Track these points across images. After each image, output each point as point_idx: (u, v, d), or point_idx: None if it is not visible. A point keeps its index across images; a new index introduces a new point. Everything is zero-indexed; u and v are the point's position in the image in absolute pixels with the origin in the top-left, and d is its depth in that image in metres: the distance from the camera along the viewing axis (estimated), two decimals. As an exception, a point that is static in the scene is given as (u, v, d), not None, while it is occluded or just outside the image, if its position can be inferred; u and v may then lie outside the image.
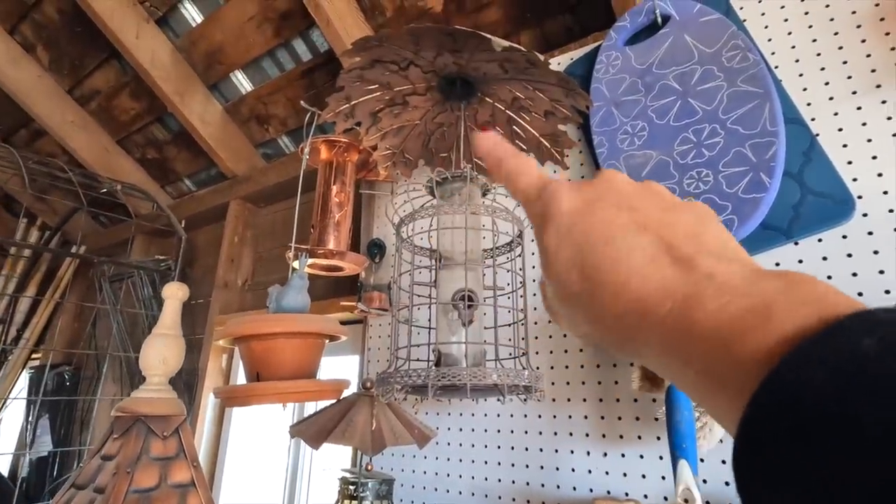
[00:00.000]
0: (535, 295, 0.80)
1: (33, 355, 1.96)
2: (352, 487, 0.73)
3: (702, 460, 0.57)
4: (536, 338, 0.79)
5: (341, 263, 0.89)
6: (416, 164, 0.89)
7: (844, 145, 0.62)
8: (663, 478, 0.64)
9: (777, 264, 0.64)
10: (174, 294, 0.58)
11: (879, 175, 0.60)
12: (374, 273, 0.98)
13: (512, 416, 0.79)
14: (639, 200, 0.19)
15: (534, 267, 0.81)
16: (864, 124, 0.62)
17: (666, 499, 0.63)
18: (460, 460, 0.82)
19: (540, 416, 0.77)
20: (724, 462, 0.59)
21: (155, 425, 0.47)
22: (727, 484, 0.58)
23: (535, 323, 0.79)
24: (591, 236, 0.18)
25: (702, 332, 0.14)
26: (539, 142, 0.86)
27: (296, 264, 0.81)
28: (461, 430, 0.84)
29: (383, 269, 0.99)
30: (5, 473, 1.78)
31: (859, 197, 0.60)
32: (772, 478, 0.11)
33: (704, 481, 0.58)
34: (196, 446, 1.37)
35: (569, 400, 0.75)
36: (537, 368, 0.66)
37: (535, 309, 0.79)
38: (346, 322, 1.06)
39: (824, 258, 0.61)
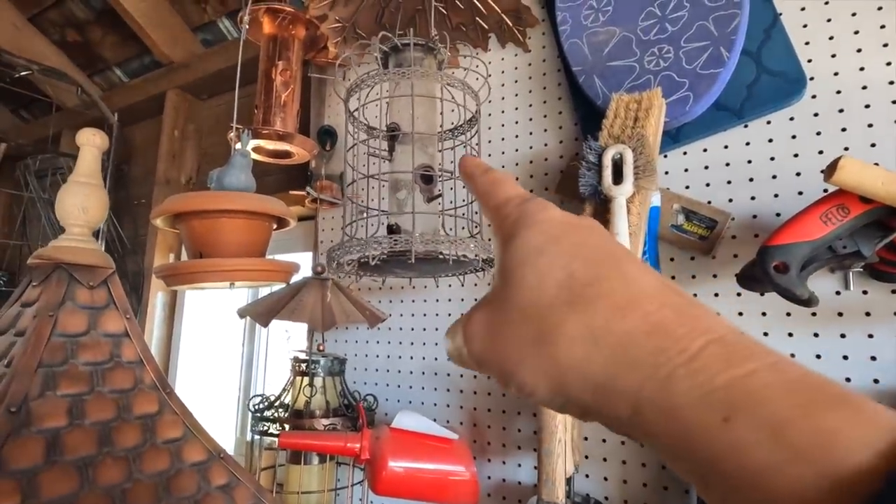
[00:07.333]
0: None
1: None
2: (304, 364, 0.74)
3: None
4: (489, 225, 0.79)
5: (289, 147, 0.84)
6: (369, 40, 0.83)
7: (804, 25, 0.62)
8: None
9: (726, 147, 0.64)
10: (89, 140, 0.49)
11: (833, 56, 0.60)
12: (325, 163, 0.94)
13: (463, 300, 0.81)
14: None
15: (489, 154, 0.79)
16: (826, 2, 0.61)
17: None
18: (412, 343, 0.85)
19: (489, 299, 0.78)
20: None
21: (79, 275, 0.44)
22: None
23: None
24: (595, 249, 0.18)
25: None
26: (501, 20, 0.81)
27: (238, 145, 0.76)
28: (413, 315, 0.85)
29: (335, 159, 0.95)
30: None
31: (811, 78, 0.60)
32: None
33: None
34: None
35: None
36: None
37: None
38: (298, 220, 1.02)
39: (770, 140, 0.62)
